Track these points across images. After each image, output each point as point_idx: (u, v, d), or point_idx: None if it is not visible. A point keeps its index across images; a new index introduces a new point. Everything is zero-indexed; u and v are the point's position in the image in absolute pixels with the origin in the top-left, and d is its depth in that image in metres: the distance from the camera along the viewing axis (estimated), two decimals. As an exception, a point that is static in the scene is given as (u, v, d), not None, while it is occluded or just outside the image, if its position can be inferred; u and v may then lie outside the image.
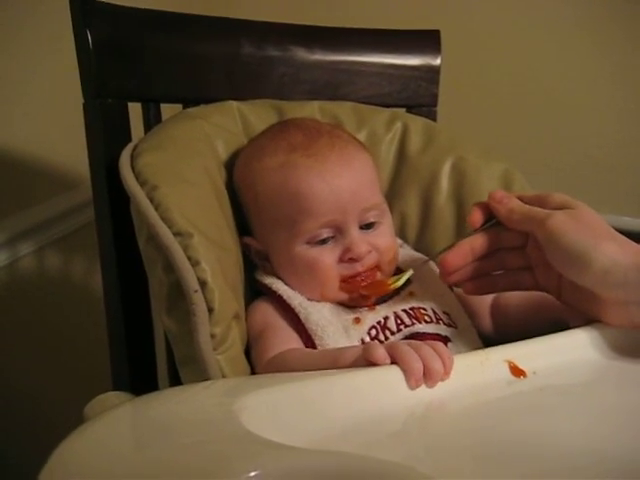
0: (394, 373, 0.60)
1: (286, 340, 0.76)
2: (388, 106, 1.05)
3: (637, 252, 0.65)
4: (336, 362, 0.65)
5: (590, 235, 0.67)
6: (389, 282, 0.80)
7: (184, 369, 0.74)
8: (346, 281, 0.80)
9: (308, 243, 0.80)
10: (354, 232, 0.80)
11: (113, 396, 0.76)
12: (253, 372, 0.76)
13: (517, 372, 0.64)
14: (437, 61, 1.09)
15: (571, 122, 1.46)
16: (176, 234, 0.72)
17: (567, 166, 1.47)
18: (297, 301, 0.80)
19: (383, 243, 0.82)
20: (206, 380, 0.69)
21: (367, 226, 0.82)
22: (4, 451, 1.31)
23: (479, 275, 0.78)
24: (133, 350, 0.92)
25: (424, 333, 0.77)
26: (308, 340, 0.76)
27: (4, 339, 1.30)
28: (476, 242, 0.77)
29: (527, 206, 0.73)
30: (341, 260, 0.79)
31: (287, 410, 0.52)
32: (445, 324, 0.80)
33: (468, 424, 0.58)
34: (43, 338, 1.37)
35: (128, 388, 0.91)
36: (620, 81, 1.42)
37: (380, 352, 0.61)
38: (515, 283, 0.78)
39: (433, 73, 1.09)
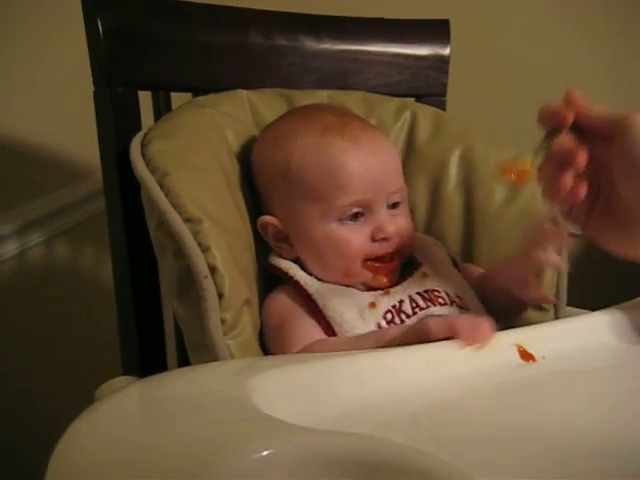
0: (405, 356, 0.61)
1: (308, 330, 0.77)
2: (397, 95, 1.05)
3: None
4: (381, 342, 0.67)
5: None
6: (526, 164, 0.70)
7: (194, 355, 0.75)
8: (372, 260, 0.81)
9: (339, 220, 0.80)
10: (383, 211, 0.81)
11: (123, 380, 0.76)
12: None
13: (526, 356, 0.64)
14: (446, 51, 1.09)
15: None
16: (186, 220, 0.72)
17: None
18: (314, 287, 0.80)
19: (405, 226, 0.83)
20: (217, 364, 0.69)
21: (393, 206, 0.83)
22: (16, 437, 1.31)
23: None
24: (143, 336, 0.93)
25: (439, 315, 0.76)
26: (327, 327, 0.77)
27: (14, 328, 1.31)
28: (559, 144, 0.67)
29: (605, 109, 0.66)
30: (373, 239, 0.80)
31: (298, 390, 0.53)
32: (458, 306, 0.81)
33: (477, 407, 0.58)
34: (53, 327, 1.37)
35: (138, 374, 0.91)
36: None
37: (438, 321, 0.65)
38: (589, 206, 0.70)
39: (442, 63, 1.09)
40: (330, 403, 0.53)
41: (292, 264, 0.83)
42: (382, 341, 0.68)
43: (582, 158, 0.66)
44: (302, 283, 0.80)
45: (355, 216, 0.80)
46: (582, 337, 0.68)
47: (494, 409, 0.57)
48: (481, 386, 0.61)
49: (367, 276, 0.81)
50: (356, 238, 0.80)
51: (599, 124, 0.65)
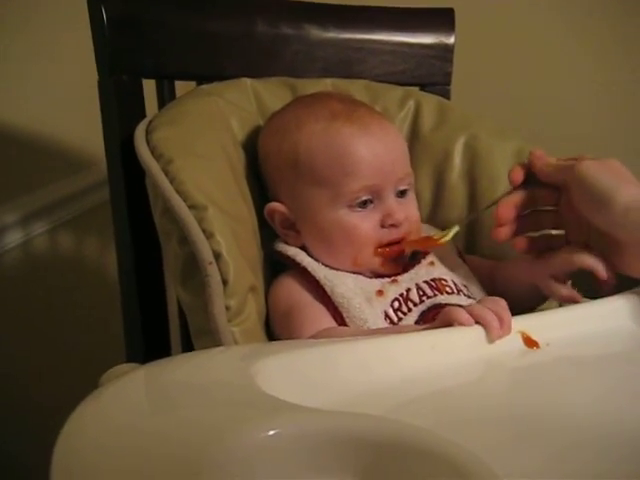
0: (409, 342, 0.61)
1: (318, 316, 0.77)
2: (401, 84, 1.05)
3: None
4: None
5: (614, 178, 0.70)
6: (435, 237, 0.81)
7: (199, 341, 0.75)
8: (382, 247, 0.81)
9: (349, 206, 0.80)
10: (392, 198, 0.81)
11: (127, 367, 0.76)
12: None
13: (530, 343, 0.65)
14: (451, 39, 1.09)
15: (586, 99, 1.45)
16: (191, 207, 0.72)
17: (580, 144, 1.47)
18: (322, 273, 0.80)
19: (413, 213, 0.84)
20: (221, 351, 0.70)
21: (401, 194, 0.83)
22: (19, 425, 1.32)
23: (520, 233, 0.80)
24: (147, 324, 0.93)
25: (446, 304, 0.77)
26: (336, 313, 0.77)
27: (18, 318, 1.31)
28: (516, 198, 0.79)
29: (561, 161, 0.77)
30: (382, 226, 0.80)
31: (303, 375, 0.53)
32: (465, 295, 0.81)
33: (481, 392, 0.58)
34: (57, 317, 1.37)
35: (142, 362, 0.91)
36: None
37: (464, 314, 0.64)
38: (548, 243, 0.81)
39: (447, 52, 1.09)
40: (335, 388, 0.53)
41: (299, 251, 0.83)
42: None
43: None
44: (310, 269, 0.80)
45: (364, 203, 0.80)
46: (587, 323, 0.68)
47: (498, 394, 0.58)
48: (485, 372, 0.61)
49: (375, 263, 0.81)
50: (365, 225, 0.80)
51: (555, 177, 0.76)
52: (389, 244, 0.81)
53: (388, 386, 0.56)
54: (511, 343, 0.64)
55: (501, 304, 0.65)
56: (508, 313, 0.64)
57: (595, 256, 0.74)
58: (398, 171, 0.82)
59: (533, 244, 0.81)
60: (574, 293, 0.78)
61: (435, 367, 0.59)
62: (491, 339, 0.63)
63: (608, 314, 0.69)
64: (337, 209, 0.80)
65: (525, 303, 0.81)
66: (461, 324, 0.63)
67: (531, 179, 0.79)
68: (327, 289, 0.78)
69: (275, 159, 0.85)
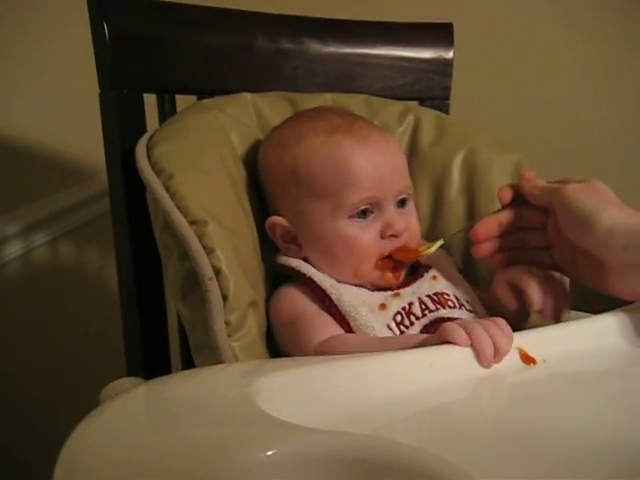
0: (407, 359, 0.61)
1: (325, 325, 0.77)
2: (401, 99, 1.06)
3: None
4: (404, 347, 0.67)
5: (598, 200, 0.72)
6: (420, 249, 0.83)
7: (198, 356, 0.75)
8: (382, 259, 0.81)
9: (350, 218, 0.80)
10: (392, 209, 0.82)
11: (127, 382, 0.77)
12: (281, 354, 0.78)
13: (527, 359, 0.65)
14: (450, 54, 1.10)
15: (585, 113, 1.46)
16: (191, 222, 0.73)
17: (581, 157, 1.47)
18: (328, 283, 0.80)
19: (413, 224, 0.84)
20: (220, 366, 0.70)
21: (401, 204, 0.83)
22: (19, 437, 1.32)
23: (502, 250, 0.83)
24: (147, 338, 0.93)
25: (448, 318, 0.77)
26: (343, 322, 0.77)
27: (18, 329, 1.32)
28: (502, 217, 0.82)
29: (549, 184, 0.79)
30: (382, 236, 0.81)
31: (303, 392, 0.53)
32: (467, 310, 0.82)
33: (478, 410, 0.59)
34: (57, 328, 1.38)
35: (142, 376, 0.92)
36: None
37: (462, 334, 0.64)
38: (533, 259, 0.82)
39: (446, 66, 1.10)
40: (333, 405, 0.54)
41: (303, 262, 0.83)
42: (406, 346, 0.68)
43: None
44: (316, 279, 0.81)
45: (364, 213, 0.80)
46: (583, 340, 0.68)
47: (495, 411, 0.58)
48: (482, 388, 0.62)
49: (375, 275, 0.81)
50: (365, 235, 0.80)
51: (543, 199, 0.78)
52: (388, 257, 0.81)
53: (386, 403, 0.56)
54: (508, 359, 0.64)
55: (504, 330, 0.65)
56: (508, 340, 0.65)
57: (542, 285, 0.78)
58: (397, 182, 0.82)
59: (512, 259, 0.83)
60: (515, 304, 0.80)
61: (433, 384, 0.60)
62: (483, 365, 0.63)
63: (607, 329, 0.69)
64: (337, 220, 0.80)
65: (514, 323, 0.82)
66: (457, 344, 0.64)
67: (521, 198, 0.81)
68: (334, 297, 0.79)
69: (275, 173, 0.85)
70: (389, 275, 0.82)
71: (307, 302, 0.80)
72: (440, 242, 0.83)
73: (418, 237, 0.85)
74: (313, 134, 0.83)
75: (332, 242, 0.81)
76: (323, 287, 0.80)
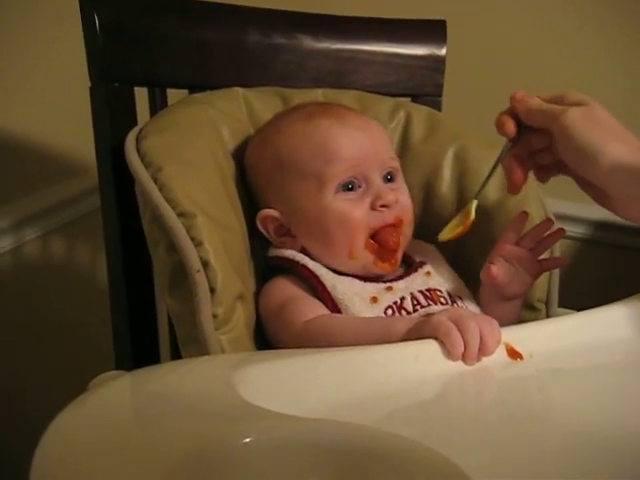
0: (397, 351, 0.61)
1: (314, 307, 0.77)
2: (393, 95, 1.05)
3: None
4: (387, 332, 0.68)
5: (600, 134, 0.70)
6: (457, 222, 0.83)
7: (186, 349, 0.75)
8: (373, 237, 0.81)
9: (336, 192, 0.81)
10: (380, 182, 0.82)
11: (115, 374, 0.76)
12: (270, 348, 0.78)
13: (514, 354, 0.65)
14: (443, 51, 1.10)
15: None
16: (179, 215, 0.73)
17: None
18: (322, 271, 0.80)
19: (404, 198, 0.85)
20: (207, 358, 0.70)
21: (389, 179, 0.84)
22: (7, 431, 1.32)
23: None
24: (136, 331, 0.93)
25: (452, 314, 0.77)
26: (334, 308, 0.77)
27: (8, 323, 1.31)
28: (515, 151, 0.79)
29: (545, 104, 0.76)
30: (372, 208, 0.81)
31: (285, 384, 0.53)
32: (459, 307, 0.81)
33: (463, 403, 0.59)
34: (47, 322, 1.37)
35: (131, 369, 0.92)
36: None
37: (457, 339, 0.63)
38: (547, 175, 0.82)
39: (438, 63, 1.10)
40: (316, 397, 0.54)
41: (296, 252, 0.83)
42: (388, 330, 0.68)
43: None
44: (310, 266, 0.81)
45: (351, 187, 0.81)
46: (570, 336, 0.69)
47: (480, 405, 0.58)
48: (467, 383, 0.62)
49: (369, 259, 0.81)
50: (355, 208, 0.81)
51: (541, 122, 0.75)
52: (381, 229, 0.81)
53: (370, 396, 0.56)
54: (495, 354, 0.64)
55: (494, 331, 0.65)
56: (496, 341, 0.64)
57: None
58: (381, 153, 0.83)
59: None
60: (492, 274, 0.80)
61: (418, 378, 0.60)
62: (466, 362, 0.63)
63: (592, 326, 0.70)
64: (325, 197, 0.81)
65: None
66: (449, 346, 0.63)
67: (521, 124, 0.78)
68: (328, 285, 0.79)
69: (260, 168, 0.86)
70: (383, 260, 0.82)
71: (298, 290, 0.80)
72: (474, 202, 0.82)
73: (410, 213, 0.85)
74: (292, 122, 0.85)
75: (324, 220, 0.81)
76: (317, 274, 0.80)
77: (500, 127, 0.78)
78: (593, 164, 0.69)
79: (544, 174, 0.82)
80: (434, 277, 0.85)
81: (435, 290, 0.82)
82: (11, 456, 1.27)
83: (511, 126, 0.77)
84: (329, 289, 0.79)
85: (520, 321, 0.83)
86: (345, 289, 0.79)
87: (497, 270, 0.80)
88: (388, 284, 0.82)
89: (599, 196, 0.74)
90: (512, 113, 0.78)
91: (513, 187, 0.80)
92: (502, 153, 0.80)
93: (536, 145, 0.78)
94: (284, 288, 0.81)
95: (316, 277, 0.80)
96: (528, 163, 0.80)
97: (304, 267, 0.81)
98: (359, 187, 0.81)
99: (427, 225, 0.97)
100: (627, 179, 0.67)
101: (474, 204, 0.82)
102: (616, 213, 0.74)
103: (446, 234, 0.83)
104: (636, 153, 0.68)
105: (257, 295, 0.83)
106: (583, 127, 0.70)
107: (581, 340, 0.68)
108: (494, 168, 0.81)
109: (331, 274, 0.80)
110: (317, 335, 0.72)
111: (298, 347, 0.70)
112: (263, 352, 0.72)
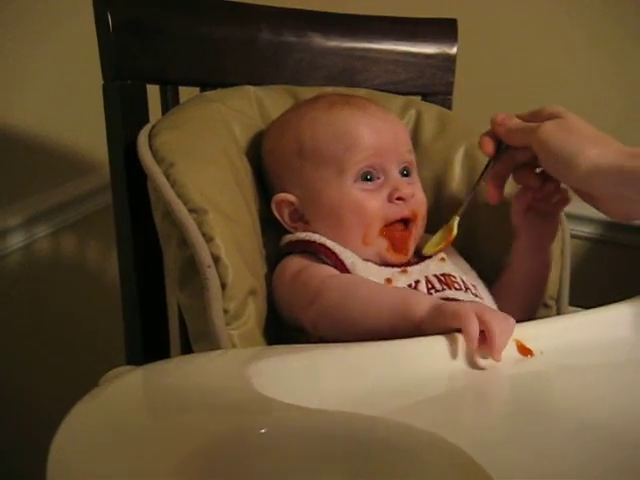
0: (409, 346, 0.61)
1: (331, 271, 0.78)
2: (403, 94, 1.06)
3: (618, 152, 0.70)
4: (407, 306, 0.68)
5: (574, 142, 0.72)
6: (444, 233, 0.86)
7: (197, 344, 0.76)
8: (388, 226, 0.82)
9: (355, 180, 0.81)
10: (397, 176, 0.83)
11: (126, 370, 0.76)
12: (279, 335, 0.79)
13: (524, 351, 0.65)
14: (453, 50, 1.10)
15: (590, 111, 1.45)
16: (191, 210, 0.73)
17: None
18: (341, 248, 0.81)
19: (420, 194, 0.86)
20: (219, 353, 0.70)
21: (405, 174, 0.85)
22: (20, 427, 1.32)
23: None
24: (147, 328, 0.93)
25: (453, 299, 0.77)
26: None
27: (20, 319, 1.32)
28: (500, 170, 0.83)
29: (522, 123, 0.79)
30: (389, 200, 0.82)
31: (299, 377, 0.53)
32: (473, 294, 0.81)
33: (474, 399, 0.59)
34: (58, 319, 1.38)
35: (141, 364, 0.92)
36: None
37: (475, 328, 0.62)
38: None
39: (449, 62, 1.10)
40: (328, 391, 0.54)
41: (312, 233, 0.83)
42: (407, 300, 0.69)
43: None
44: (329, 244, 0.81)
45: (369, 175, 0.82)
46: (581, 333, 0.68)
47: (490, 401, 0.58)
48: (479, 379, 0.61)
49: (383, 245, 0.81)
50: (373, 198, 0.81)
51: (521, 140, 0.78)
52: (397, 222, 0.82)
53: (381, 390, 0.56)
54: (506, 351, 0.64)
55: (510, 329, 0.64)
56: (508, 335, 0.64)
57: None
58: (400, 147, 0.84)
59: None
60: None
61: (428, 373, 0.60)
62: (490, 355, 0.63)
63: (602, 324, 0.70)
64: (344, 184, 0.81)
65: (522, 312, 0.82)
66: (468, 339, 0.63)
67: (504, 144, 0.82)
68: (347, 262, 0.79)
69: (279, 154, 0.87)
70: (396, 250, 0.82)
71: (313, 262, 0.80)
72: (456, 219, 0.84)
73: (425, 207, 0.86)
74: (314, 109, 0.86)
75: (340, 208, 0.81)
76: (336, 251, 0.80)
77: (481, 147, 0.83)
78: (571, 170, 0.71)
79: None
80: (448, 263, 0.85)
81: (450, 275, 0.82)
82: (21, 451, 1.28)
83: (490, 147, 0.82)
84: (348, 266, 0.79)
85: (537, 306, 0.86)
86: (363, 269, 0.79)
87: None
88: (403, 267, 0.82)
89: (587, 198, 0.76)
90: (493, 135, 0.82)
91: (490, 201, 0.85)
92: (484, 171, 0.84)
93: (520, 159, 0.82)
94: (299, 261, 0.81)
95: (334, 254, 0.80)
96: (508, 178, 0.84)
97: (321, 245, 0.81)
98: (377, 178, 0.82)
99: (437, 222, 0.97)
100: (605, 181, 0.69)
101: (456, 220, 0.85)
102: (605, 213, 0.75)
103: (429, 249, 0.85)
104: (611, 155, 0.69)
105: (269, 289, 0.83)
106: (558, 137, 0.73)
107: (592, 338, 0.68)
108: (476, 185, 0.86)
109: (349, 252, 0.81)
110: (336, 290, 0.73)
111: (312, 307, 0.72)
112: (275, 347, 0.72)
